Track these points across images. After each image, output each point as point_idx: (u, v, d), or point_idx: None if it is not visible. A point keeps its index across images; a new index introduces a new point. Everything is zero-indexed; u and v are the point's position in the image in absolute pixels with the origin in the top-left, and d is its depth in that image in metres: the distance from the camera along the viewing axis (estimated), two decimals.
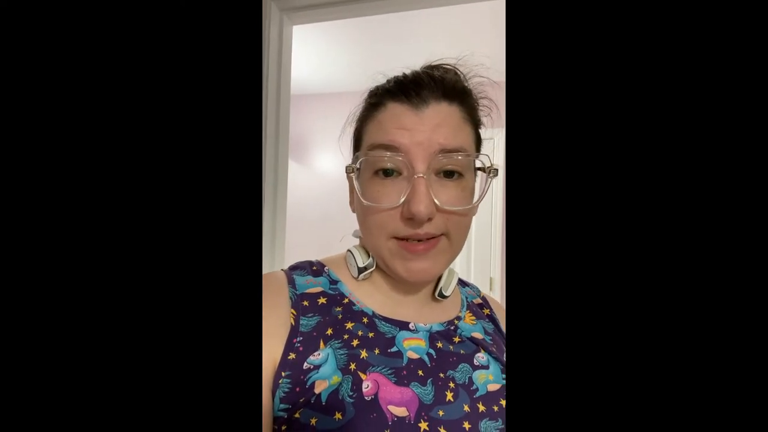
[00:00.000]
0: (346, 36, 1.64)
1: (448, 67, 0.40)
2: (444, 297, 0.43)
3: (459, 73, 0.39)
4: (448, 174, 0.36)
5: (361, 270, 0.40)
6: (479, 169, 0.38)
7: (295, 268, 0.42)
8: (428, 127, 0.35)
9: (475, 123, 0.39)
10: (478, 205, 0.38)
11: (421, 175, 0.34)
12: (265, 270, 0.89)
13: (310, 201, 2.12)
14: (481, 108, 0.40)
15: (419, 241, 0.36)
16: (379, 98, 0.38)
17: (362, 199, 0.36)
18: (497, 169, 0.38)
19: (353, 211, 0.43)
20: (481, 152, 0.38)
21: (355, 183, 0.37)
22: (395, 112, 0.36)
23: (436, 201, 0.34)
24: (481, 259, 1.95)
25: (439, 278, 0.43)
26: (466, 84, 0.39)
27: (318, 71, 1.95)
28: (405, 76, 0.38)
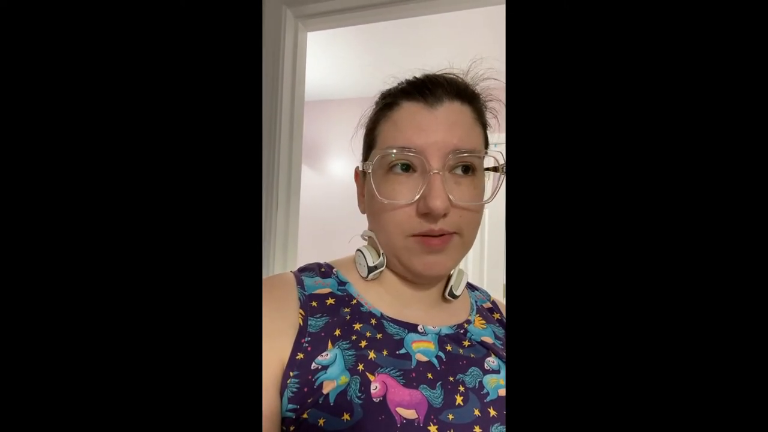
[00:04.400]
0: (358, 42, 1.66)
1: (458, 72, 0.41)
2: (455, 297, 0.42)
3: (466, 80, 0.40)
4: (464, 169, 0.36)
5: (371, 269, 0.40)
6: (488, 169, 0.39)
7: (303, 269, 0.42)
8: (443, 126, 0.35)
9: (484, 125, 0.40)
10: (486, 203, 0.39)
11: (437, 171, 0.34)
12: (278, 272, 0.90)
13: (323, 204, 2.14)
14: (488, 111, 0.41)
15: (434, 236, 0.36)
16: (393, 98, 0.38)
17: (379, 196, 0.36)
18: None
19: (362, 212, 0.43)
20: (494, 150, 0.39)
21: (371, 182, 0.37)
22: (410, 111, 0.37)
23: (450, 197, 0.35)
24: (494, 263, 1.92)
25: (449, 279, 0.43)
26: (474, 89, 0.40)
27: (330, 77, 1.98)
28: (417, 77, 0.39)
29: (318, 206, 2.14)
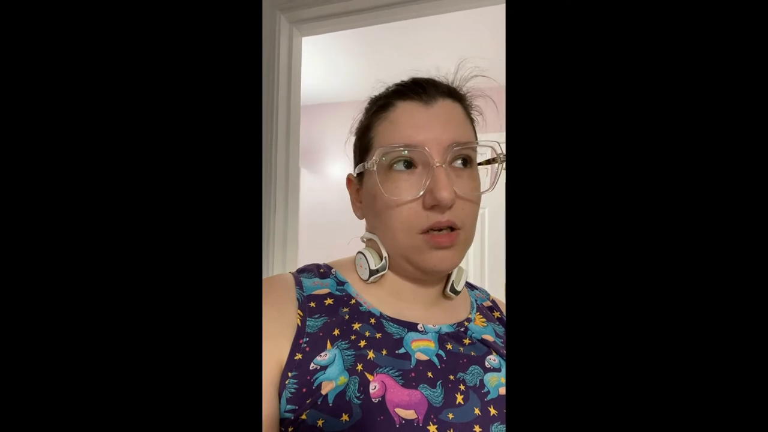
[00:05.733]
0: (357, 46, 1.67)
1: (445, 74, 0.43)
2: (456, 293, 0.42)
3: (454, 80, 0.42)
4: (463, 162, 0.38)
5: (372, 272, 0.39)
6: (481, 163, 0.41)
7: (302, 270, 0.42)
8: (440, 121, 0.37)
9: (472, 121, 0.42)
10: (487, 192, 0.40)
11: (440, 165, 0.35)
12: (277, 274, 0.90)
13: (323, 207, 2.15)
14: (473, 109, 0.43)
15: (440, 231, 0.36)
16: (386, 99, 0.39)
17: (385, 194, 0.36)
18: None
19: (360, 218, 0.43)
20: (491, 141, 0.40)
21: (376, 181, 0.37)
22: (407, 109, 0.37)
23: (455, 189, 0.35)
24: (495, 265, 1.92)
25: (449, 276, 0.43)
26: (461, 90, 0.42)
27: (329, 81, 1.99)
28: (405, 81, 0.40)
29: (318, 209, 2.15)
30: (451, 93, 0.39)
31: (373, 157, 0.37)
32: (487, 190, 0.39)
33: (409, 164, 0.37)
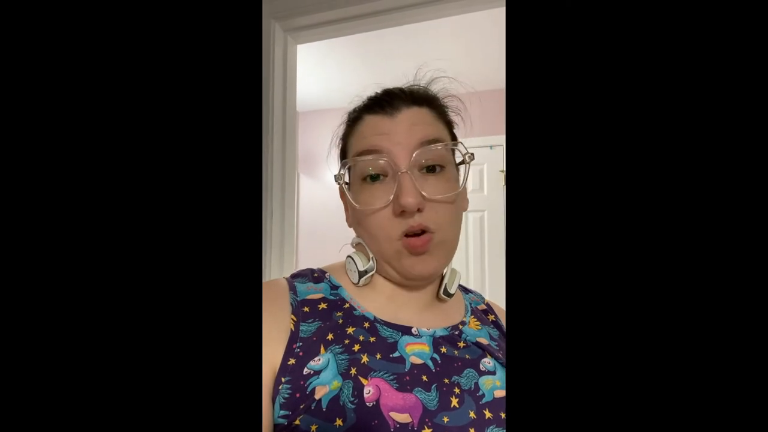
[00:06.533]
0: (352, 52, 1.69)
1: (411, 82, 0.44)
2: (449, 296, 0.42)
3: (422, 86, 0.43)
4: (430, 169, 0.38)
5: (361, 274, 0.40)
6: (460, 163, 0.41)
7: (296, 275, 0.43)
8: (404, 127, 0.38)
9: (447, 122, 0.42)
10: (465, 195, 0.41)
11: (405, 171, 0.36)
12: None
13: (323, 212, 2.15)
14: (450, 110, 0.43)
15: (415, 235, 0.37)
16: (357, 114, 0.41)
17: (356, 205, 0.38)
18: (473, 154, 0.41)
19: (349, 226, 0.44)
20: (456, 143, 0.41)
21: (347, 192, 0.39)
22: (373, 121, 0.39)
23: (423, 193, 0.36)
24: (496, 269, 1.91)
25: (442, 278, 0.43)
26: (428, 92, 0.43)
27: (330, 87, 2.01)
28: (377, 93, 0.42)
29: (318, 214, 2.16)
30: (417, 100, 0.40)
31: (345, 168, 0.39)
32: (460, 188, 0.39)
33: (377, 176, 0.38)
